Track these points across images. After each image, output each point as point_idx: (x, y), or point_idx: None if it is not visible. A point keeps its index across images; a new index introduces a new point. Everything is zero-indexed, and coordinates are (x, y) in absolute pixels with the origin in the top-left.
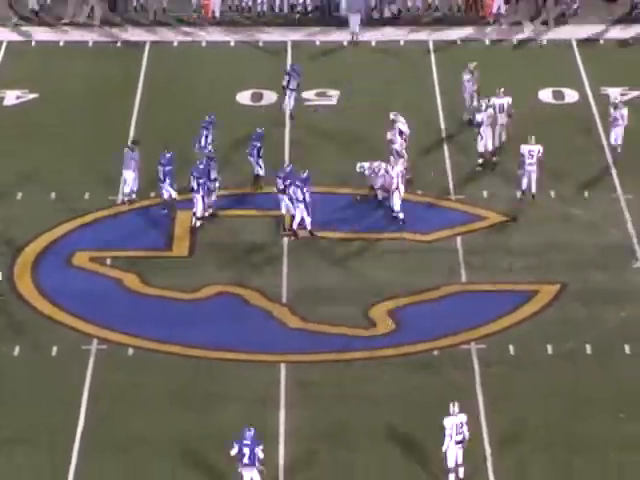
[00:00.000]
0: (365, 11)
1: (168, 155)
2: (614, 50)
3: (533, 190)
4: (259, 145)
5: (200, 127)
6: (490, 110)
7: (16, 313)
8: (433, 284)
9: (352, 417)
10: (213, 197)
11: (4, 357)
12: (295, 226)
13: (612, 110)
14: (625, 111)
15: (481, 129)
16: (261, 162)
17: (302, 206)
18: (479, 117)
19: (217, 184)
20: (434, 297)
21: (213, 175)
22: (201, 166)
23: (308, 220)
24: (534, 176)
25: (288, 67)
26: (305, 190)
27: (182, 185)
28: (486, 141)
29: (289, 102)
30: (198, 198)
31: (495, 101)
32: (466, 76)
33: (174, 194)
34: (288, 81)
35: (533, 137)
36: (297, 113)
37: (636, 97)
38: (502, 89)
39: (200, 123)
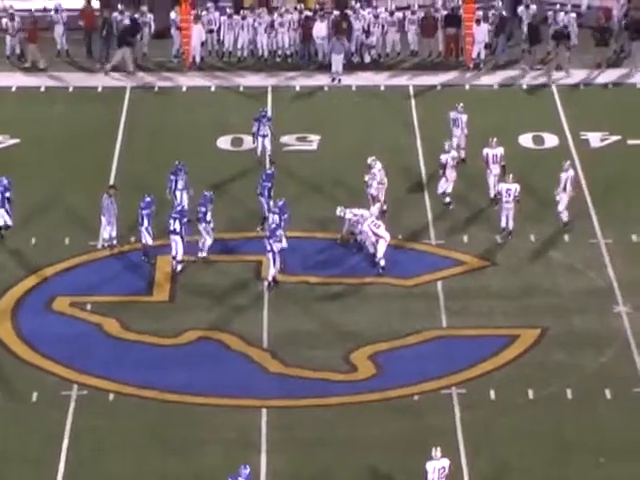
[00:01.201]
0: (345, 56)
1: (148, 199)
2: (594, 95)
3: (510, 227)
4: (269, 185)
5: (168, 173)
6: (454, 152)
7: None
8: (414, 329)
9: (334, 461)
10: (210, 241)
11: None
12: (269, 277)
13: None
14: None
15: (446, 171)
16: (272, 203)
17: (270, 256)
18: (443, 158)
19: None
20: (415, 342)
21: (209, 217)
22: (179, 207)
23: (273, 271)
24: (511, 214)
25: (257, 114)
26: (272, 241)
27: (162, 228)
28: (449, 184)
29: (263, 148)
30: (178, 240)
31: (488, 151)
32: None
33: (150, 241)
34: (258, 128)
35: (510, 175)
36: (275, 158)
37: (615, 142)
38: (495, 139)
39: (169, 170)
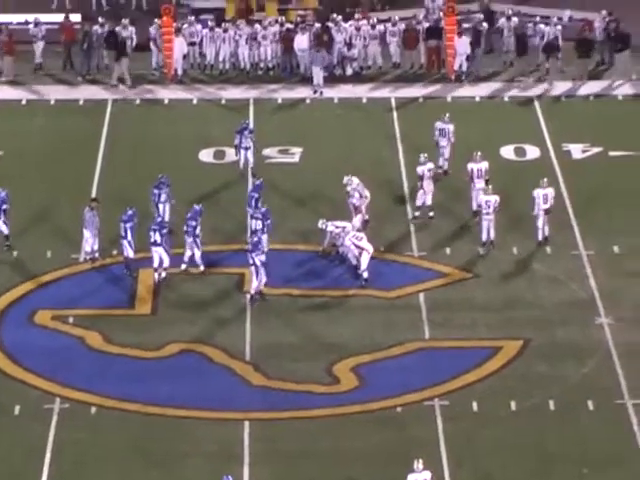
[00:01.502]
0: (327, 68)
1: (130, 212)
2: (576, 106)
3: (492, 237)
4: (257, 196)
5: (152, 187)
6: (430, 164)
7: None
8: (396, 341)
9: (316, 474)
10: (198, 253)
11: None
12: (252, 290)
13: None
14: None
15: (424, 183)
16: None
17: (252, 270)
18: (419, 170)
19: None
20: (397, 353)
21: (198, 231)
22: (159, 219)
23: (255, 284)
24: (492, 225)
25: (239, 126)
26: (254, 255)
27: (144, 241)
28: (426, 196)
29: (246, 160)
30: (160, 251)
31: (473, 166)
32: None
33: (132, 254)
34: (240, 140)
35: (490, 187)
36: (258, 170)
37: (597, 154)
38: (479, 153)
39: (152, 183)
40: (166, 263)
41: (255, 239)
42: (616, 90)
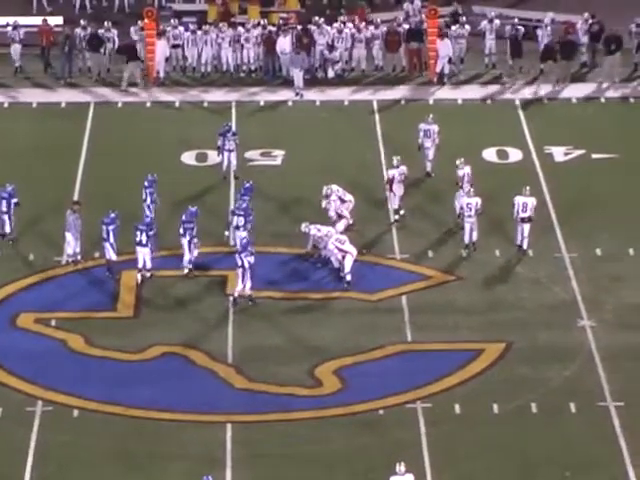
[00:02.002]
0: (309, 70)
1: (112, 215)
2: (558, 109)
3: (474, 238)
4: (247, 199)
5: (144, 187)
6: (403, 167)
7: None
8: (379, 343)
9: (299, 477)
10: (188, 256)
11: None
12: (236, 293)
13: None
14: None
15: (393, 186)
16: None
17: (240, 272)
18: (390, 174)
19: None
20: (380, 356)
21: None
22: (147, 219)
23: (240, 286)
24: (475, 227)
25: (221, 128)
26: (243, 256)
27: (127, 243)
28: (396, 199)
29: (228, 163)
30: (145, 252)
31: (459, 172)
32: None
33: (114, 256)
34: (223, 142)
35: (472, 190)
36: (240, 173)
37: (579, 156)
38: (462, 159)
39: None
40: (148, 265)
41: (244, 240)
42: (599, 92)
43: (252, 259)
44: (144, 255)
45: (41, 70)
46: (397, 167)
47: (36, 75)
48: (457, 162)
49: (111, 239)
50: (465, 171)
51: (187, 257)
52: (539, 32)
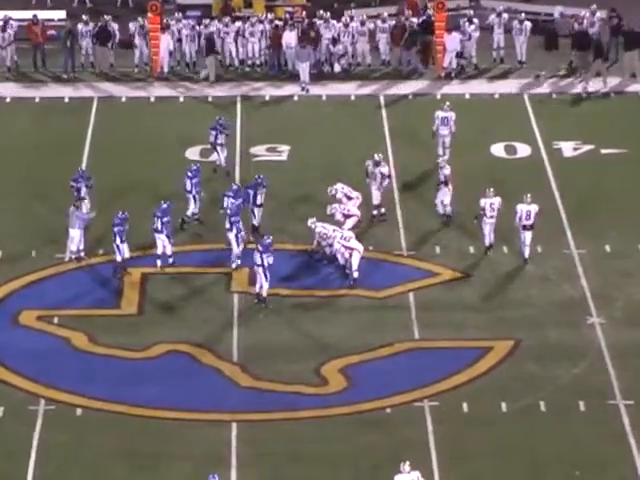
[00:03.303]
0: (315, 65)
1: (122, 215)
2: (566, 104)
3: (492, 240)
4: (253, 193)
5: (188, 178)
6: (384, 168)
7: None
8: (385, 341)
9: (305, 476)
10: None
11: None
12: (262, 291)
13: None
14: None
15: (372, 182)
16: (256, 211)
17: (260, 270)
18: (369, 169)
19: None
20: (386, 354)
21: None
22: (164, 206)
23: (265, 286)
24: (493, 228)
25: (214, 122)
26: (265, 256)
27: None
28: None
29: (220, 157)
30: (163, 239)
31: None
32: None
33: (119, 258)
34: (215, 136)
35: (492, 190)
36: (245, 169)
37: (588, 151)
38: (445, 158)
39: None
40: (169, 251)
41: (267, 240)
42: (608, 87)
43: (271, 259)
44: (162, 242)
45: (56, 64)
46: (378, 165)
47: (37, 70)
48: (439, 160)
49: (117, 240)
50: (445, 171)
51: (235, 251)
52: (590, 28)
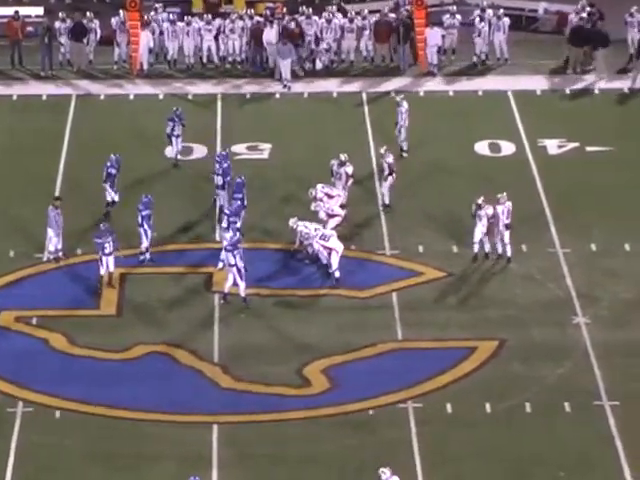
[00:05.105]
0: (298, 61)
1: (103, 228)
2: (551, 101)
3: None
4: (240, 196)
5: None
6: (349, 168)
7: None
8: (369, 341)
9: (287, 478)
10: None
11: None
12: (227, 290)
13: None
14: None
15: (337, 182)
16: (243, 213)
17: (234, 270)
18: (336, 169)
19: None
20: (370, 355)
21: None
22: (145, 199)
23: (242, 285)
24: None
25: (171, 113)
26: (236, 253)
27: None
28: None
29: (174, 149)
30: (146, 231)
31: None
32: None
33: (102, 271)
34: (172, 128)
35: (505, 194)
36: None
37: (573, 149)
38: (386, 147)
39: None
40: (145, 243)
41: (235, 238)
42: (593, 84)
43: (240, 258)
44: (148, 233)
45: (33, 62)
46: (344, 164)
47: (14, 67)
48: (381, 150)
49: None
50: (389, 160)
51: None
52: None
